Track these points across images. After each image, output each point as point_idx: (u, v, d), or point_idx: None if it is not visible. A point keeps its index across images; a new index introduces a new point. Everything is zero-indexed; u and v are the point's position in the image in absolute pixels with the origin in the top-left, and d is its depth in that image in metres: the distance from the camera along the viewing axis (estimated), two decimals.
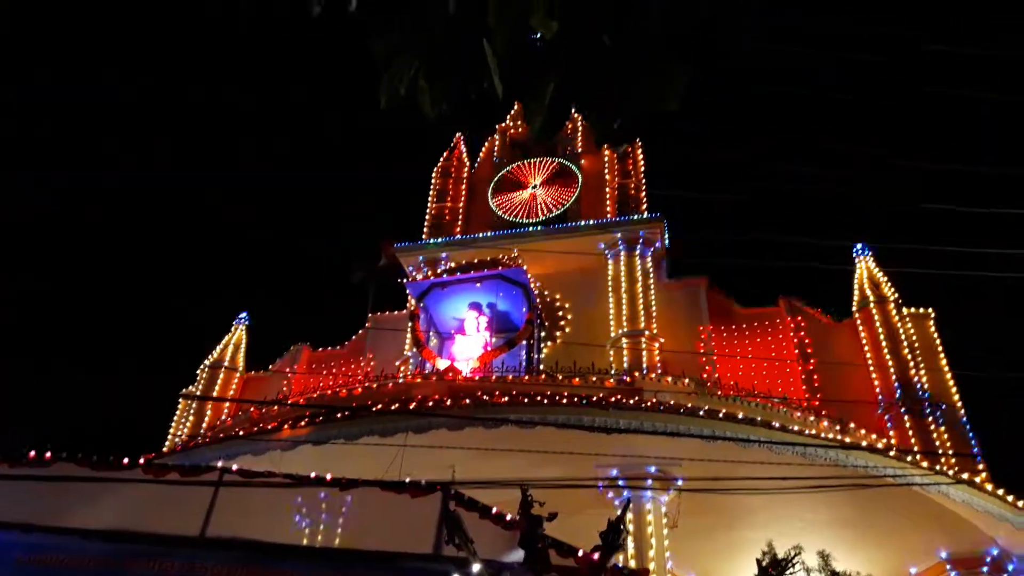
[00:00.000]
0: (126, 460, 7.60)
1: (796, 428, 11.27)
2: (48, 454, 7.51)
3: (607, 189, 19.75)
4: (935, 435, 14.36)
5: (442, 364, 14.71)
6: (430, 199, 21.16)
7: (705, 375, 15.02)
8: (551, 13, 1.86)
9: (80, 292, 48.79)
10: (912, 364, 15.40)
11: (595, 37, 1.91)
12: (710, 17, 1.96)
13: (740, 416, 10.96)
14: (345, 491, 7.63)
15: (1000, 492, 11.64)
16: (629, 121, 2.00)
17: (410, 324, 16.70)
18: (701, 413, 10.80)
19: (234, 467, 8.58)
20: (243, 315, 20.42)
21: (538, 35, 1.96)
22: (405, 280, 18.22)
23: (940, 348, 16.05)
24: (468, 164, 22.07)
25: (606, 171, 20.23)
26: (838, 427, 12.49)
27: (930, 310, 16.70)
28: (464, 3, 2.02)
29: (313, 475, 7.95)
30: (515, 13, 1.88)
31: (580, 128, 21.18)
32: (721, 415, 10.84)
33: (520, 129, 22.59)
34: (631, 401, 11.12)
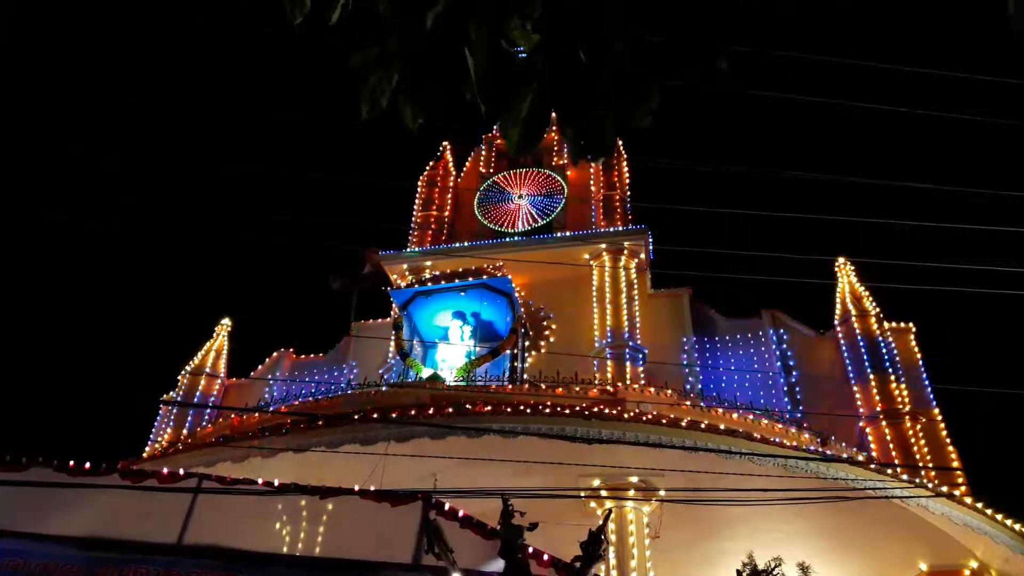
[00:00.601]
0: (103, 466, 7.51)
1: (778, 440, 11.30)
2: (24, 459, 7.40)
3: (592, 200, 19.82)
4: (916, 448, 14.47)
5: (425, 372, 14.66)
6: (415, 208, 21.13)
7: (688, 386, 15.07)
8: (530, 26, 1.87)
9: (60, 297, 48.26)
10: (893, 378, 15.53)
11: (572, 52, 1.92)
12: (680, 44, 1.97)
13: (722, 427, 10.99)
14: (325, 499, 7.54)
15: (979, 505, 11.73)
16: (604, 136, 2.01)
17: (394, 332, 16.65)
18: (683, 424, 10.81)
19: (214, 474, 8.51)
20: (225, 321, 20.28)
21: (520, 48, 1.97)
22: (389, 288, 18.18)
23: (921, 362, 16.20)
24: (454, 174, 22.10)
25: (591, 182, 20.30)
26: (819, 439, 12.55)
27: (911, 324, 16.87)
28: (442, 17, 2.03)
29: (290, 483, 7.89)
30: (495, 25, 1.88)
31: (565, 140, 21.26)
32: (703, 426, 10.86)
33: None
34: (614, 411, 11.11)
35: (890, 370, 15.66)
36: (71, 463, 7.44)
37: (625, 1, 1.89)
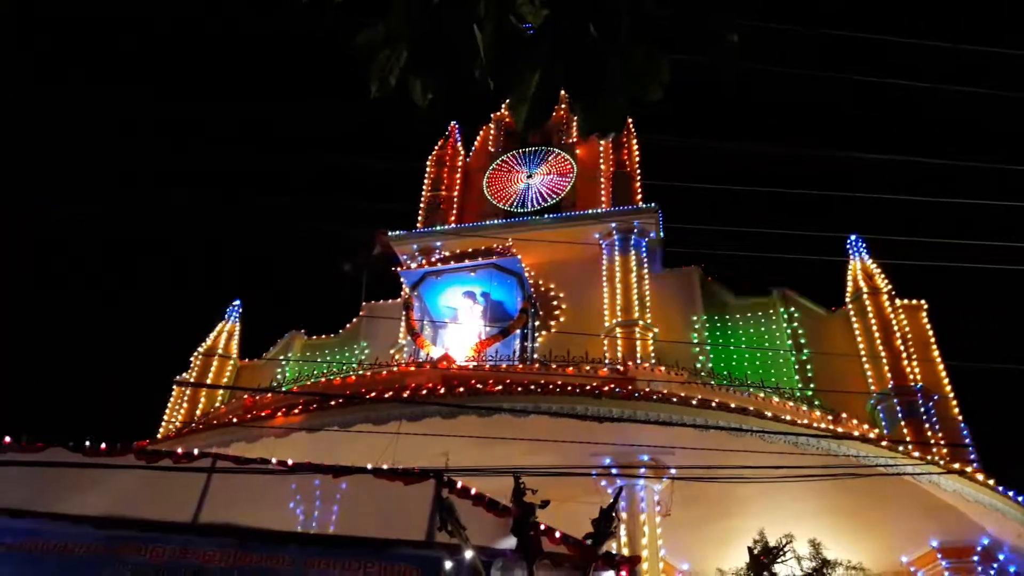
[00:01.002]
0: (119, 446, 7.59)
1: (788, 418, 11.30)
2: (40, 441, 7.49)
3: (602, 179, 19.72)
4: (927, 426, 14.44)
5: (436, 352, 14.71)
6: (424, 188, 21.09)
7: (699, 364, 15.07)
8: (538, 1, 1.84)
9: (73, 279, 48.63)
10: (905, 355, 15.47)
11: (581, 27, 1.89)
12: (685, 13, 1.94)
13: (733, 406, 10.99)
14: (339, 478, 7.60)
15: (991, 482, 11.72)
16: (614, 112, 1.99)
17: (404, 312, 16.69)
18: (694, 402, 10.82)
19: (228, 454, 8.59)
20: (236, 302, 20.38)
21: (528, 24, 1.94)
22: (399, 268, 18.21)
23: (933, 339, 16.13)
24: (463, 153, 22.02)
25: (601, 160, 20.19)
26: (830, 417, 12.55)
27: (923, 302, 16.77)
28: None
29: (303, 462, 7.95)
30: (503, 1, 1.86)
31: (575, 118, 21.14)
32: (714, 404, 10.87)
33: None
34: (624, 390, 11.13)
35: (901, 347, 15.60)
36: (87, 444, 7.52)
37: None
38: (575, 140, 20.84)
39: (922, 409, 14.68)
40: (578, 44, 1.91)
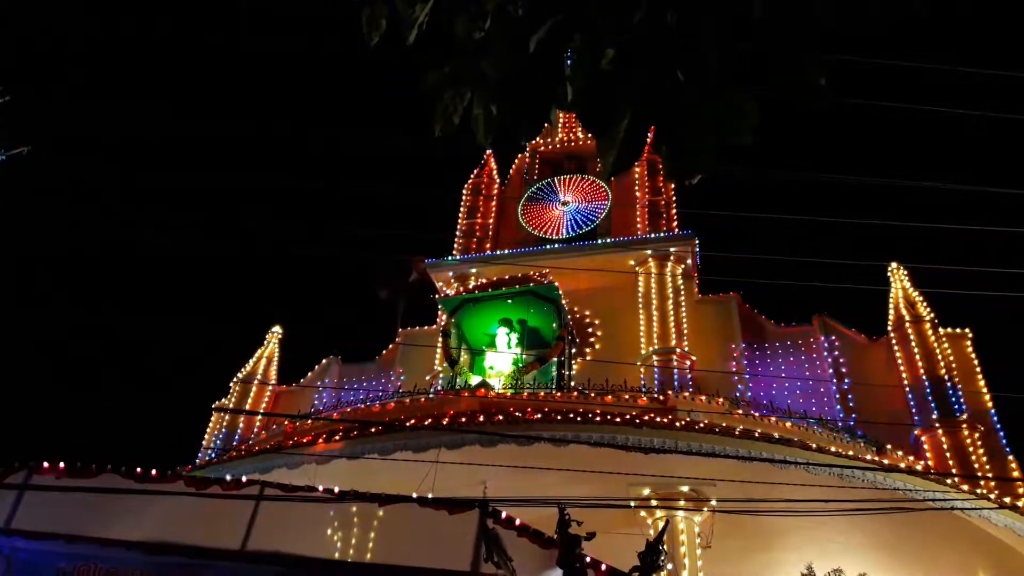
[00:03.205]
0: (169, 472, 7.71)
1: (834, 449, 11.11)
2: (94, 466, 7.63)
3: (637, 206, 19.73)
4: (973, 457, 14.07)
5: (474, 380, 14.73)
6: (460, 216, 21.27)
7: (738, 394, 14.88)
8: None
9: (115, 307, 49.64)
10: (949, 385, 15.13)
11: (669, 69, 1.93)
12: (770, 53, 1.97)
13: (776, 436, 10.85)
14: (383, 506, 7.63)
15: None
16: (703, 154, 2.01)
17: (441, 339, 16.76)
18: (736, 433, 10.70)
19: (271, 481, 8.67)
20: (276, 329, 20.63)
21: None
22: (436, 296, 18.30)
23: (978, 368, 15.76)
24: (498, 181, 22.19)
25: (636, 188, 20.21)
26: (875, 448, 12.30)
27: (967, 330, 16.42)
28: (544, 42, 2.05)
29: (350, 490, 8.00)
30: (593, 46, 1.90)
31: None
32: (757, 435, 10.73)
33: (551, 146, 22.68)
34: (665, 420, 11.04)
35: (946, 377, 15.26)
36: (139, 470, 7.65)
37: (722, 17, 1.89)
38: None
39: (968, 441, 14.31)
40: (666, 86, 1.95)
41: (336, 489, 7.98)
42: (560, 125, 22.89)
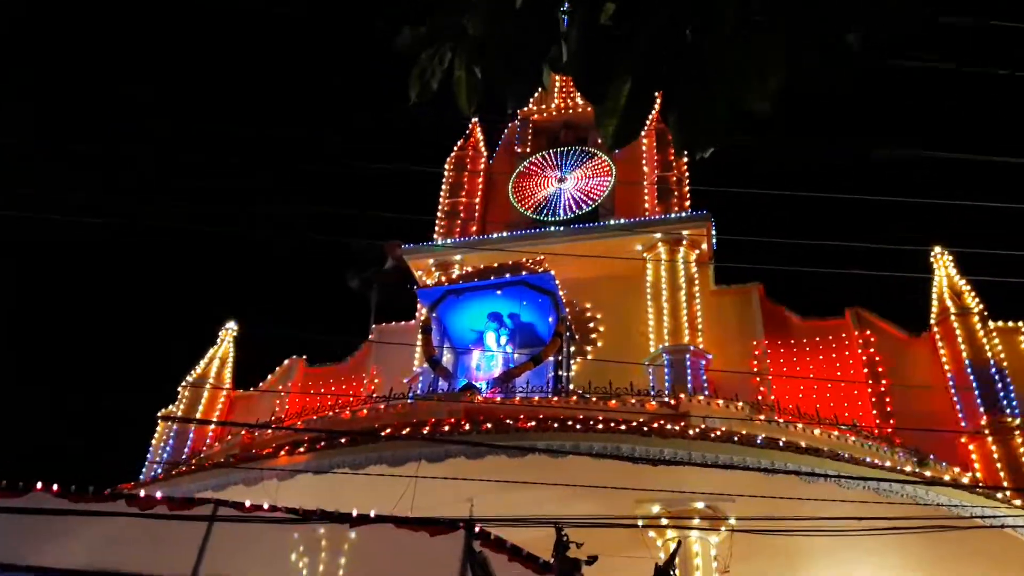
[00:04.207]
0: (108, 490, 7.71)
1: (868, 460, 11.21)
2: (21, 483, 7.62)
3: (645, 183, 19.76)
4: None
5: (458, 383, 14.76)
6: (442, 194, 21.25)
7: (760, 397, 14.96)
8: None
9: (42, 298, 49.40)
10: (1000, 386, 15.25)
11: (677, 28, 1.93)
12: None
13: (803, 445, 10.94)
14: (354, 527, 7.66)
15: None
16: (715, 124, 2.02)
17: (421, 336, 16.77)
18: (758, 441, 10.77)
19: (226, 499, 8.68)
20: (230, 325, 20.58)
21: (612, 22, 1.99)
22: (415, 287, 18.28)
23: None
24: (485, 155, 22.18)
25: (644, 162, 20.23)
26: (915, 459, 12.41)
27: (1021, 324, 16.54)
28: None
29: (316, 509, 8.02)
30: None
31: None
32: (781, 444, 10.81)
33: (545, 114, 22.66)
34: (676, 427, 11.10)
35: (996, 377, 15.38)
36: (73, 488, 7.65)
37: None
38: None
39: (1022, 449, 14.44)
40: (674, 45, 1.96)
41: (301, 508, 7.98)
42: (555, 90, 22.87)
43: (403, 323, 19.77)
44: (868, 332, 17.08)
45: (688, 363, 15.91)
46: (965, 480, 12.29)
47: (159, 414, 19.23)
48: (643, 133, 20.72)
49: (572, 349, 17.04)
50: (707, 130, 2.02)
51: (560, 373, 16.03)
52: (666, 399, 12.81)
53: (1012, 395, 15.14)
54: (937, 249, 17.60)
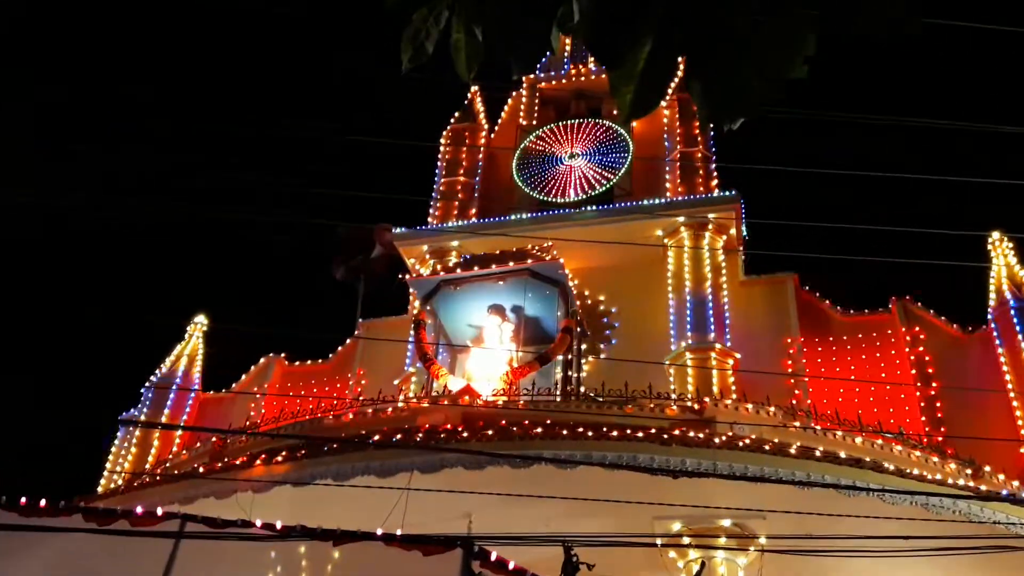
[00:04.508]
0: (62, 504, 7.75)
1: (916, 472, 11.21)
2: None
3: (667, 160, 19.73)
4: None
5: (455, 384, 14.78)
6: (438, 172, 21.25)
7: (794, 401, 14.97)
8: None
9: None
10: None
11: None
12: None
13: (843, 455, 10.92)
14: (338, 545, 7.69)
15: None
16: (744, 93, 2.00)
17: (413, 332, 16.79)
18: (792, 451, 10.78)
19: (194, 514, 8.71)
20: (199, 319, 20.62)
21: None
22: (406, 276, 18.29)
23: None
24: (486, 128, 22.16)
25: (665, 137, 20.20)
26: (969, 471, 12.41)
27: None
28: None
29: (296, 525, 8.05)
30: None
31: None
32: (818, 454, 10.81)
33: (554, 82, 22.62)
34: (700, 435, 11.10)
35: None
36: (23, 500, 7.68)
37: None
38: None
39: None
40: (699, 5, 1.94)
41: (279, 524, 8.02)
42: (565, 54, 22.83)
43: (393, 318, 19.82)
44: (917, 328, 17.07)
45: (714, 363, 15.92)
46: None
47: (120, 418, 19.32)
48: (664, 102, 20.91)
49: (583, 347, 17.06)
50: (737, 98, 2.01)
51: (570, 374, 16.05)
52: (689, 403, 12.81)
53: None
54: (996, 235, 17.57)
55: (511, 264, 16.45)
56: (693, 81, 2.04)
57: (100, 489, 16.75)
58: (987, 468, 12.84)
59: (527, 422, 11.43)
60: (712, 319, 16.62)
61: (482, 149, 21.57)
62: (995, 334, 16.47)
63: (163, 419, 18.37)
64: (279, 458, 11.20)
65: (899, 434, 12.96)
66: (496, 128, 22.31)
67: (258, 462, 11.28)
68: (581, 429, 11.07)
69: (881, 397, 16.24)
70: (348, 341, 20.06)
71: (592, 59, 22.43)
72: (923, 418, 15.80)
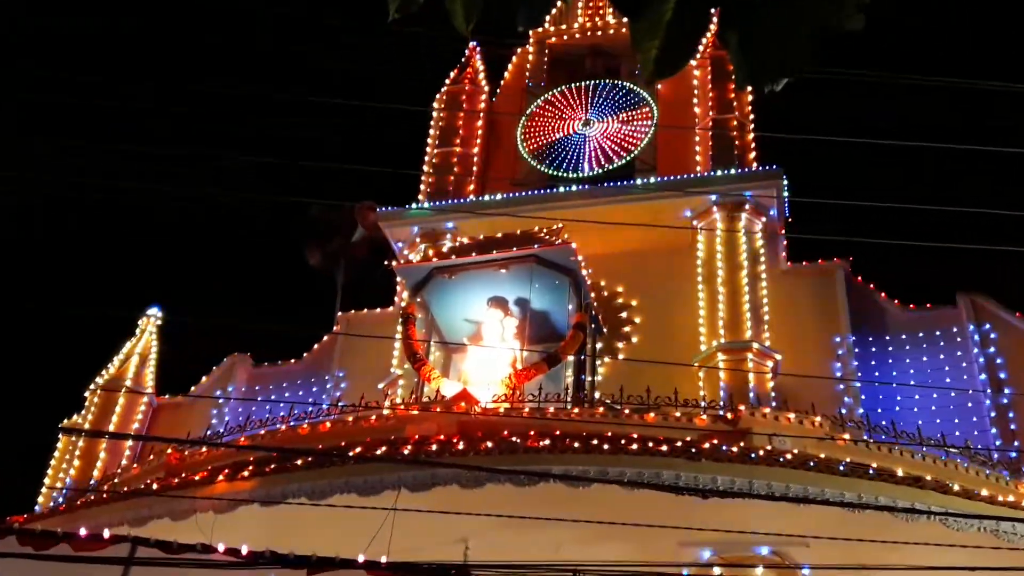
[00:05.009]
0: None
1: (985, 492, 11.21)
2: None
3: (697, 128, 19.68)
4: None
5: (449, 388, 14.79)
6: (429, 142, 21.20)
7: (844, 410, 14.98)
8: None
9: None
10: None
11: None
12: None
13: (900, 473, 10.95)
14: (313, 574, 7.72)
15: None
16: (791, 47, 1.99)
17: (401, 328, 16.81)
18: (841, 468, 10.79)
19: (147, 537, 8.75)
20: (153, 310, 20.59)
21: None
22: (393, 263, 18.27)
23: None
24: (487, 90, 22.09)
25: (696, 102, 20.15)
26: None
27: None
28: None
29: (264, 550, 8.08)
30: None
31: None
32: (871, 471, 10.83)
33: (566, 36, 22.55)
34: (734, 448, 11.11)
35: None
36: None
37: None
38: None
39: None
40: None
41: (244, 549, 8.03)
42: (580, 3, 22.76)
43: (377, 310, 19.86)
44: (987, 326, 17.05)
45: (750, 365, 15.90)
46: None
47: (60, 425, 19.33)
48: (694, 61, 20.78)
49: (599, 346, 17.06)
50: (780, 53, 1.99)
51: (583, 377, 16.05)
52: (721, 412, 12.83)
53: None
54: None
55: (515, 249, 16.42)
56: (729, 32, 2.02)
57: (38, 508, 16.78)
58: None
59: (533, 433, 11.44)
60: (749, 314, 16.58)
61: (481, 115, 21.49)
62: None
63: (110, 427, 18.37)
64: (245, 473, 11.22)
65: (966, 448, 12.96)
66: (498, 91, 22.22)
67: (220, 477, 11.29)
68: (595, 441, 11.08)
69: (945, 406, 16.22)
70: (325, 338, 20.05)
71: (611, 8, 22.38)
72: (994, 430, 15.78)
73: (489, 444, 11.07)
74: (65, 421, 19.38)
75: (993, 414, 16.06)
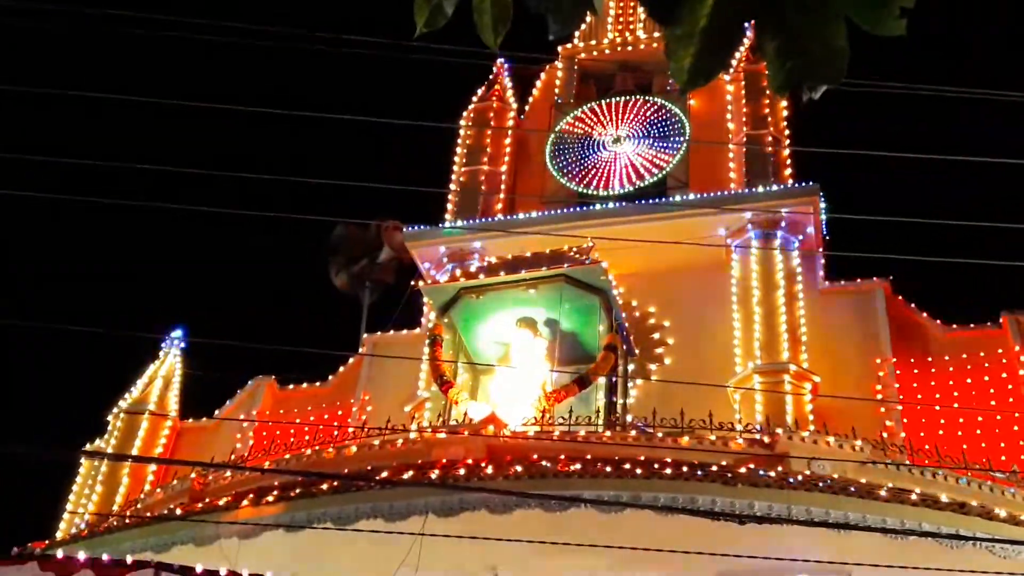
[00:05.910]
0: (15, 551, 7.84)
1: None
2: None
3: (731, 144, 19.65)
4: None
5: (477, 411, 14.78)
6: (456, 161, 21.30)
7: (886, 433, 14.85)
8: None
9: None
10: None
11: None
12: None
13: (944, 499, 10.85)
14: None
15: None
16: (829, 54, 1.98)
17: (428, 350, 16.84)
18: (883, 493, 10.70)
19: (170, 562, 8.80)
20: (177, 333, 20.74)
21: None
22: (420, 283, 18.30)
23: None
24: (515, 107, 22.17)
25: (729, 117, 20.12)
26: None
27: None
28: None
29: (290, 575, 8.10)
30: None
31: None
32: (914, 497, 10.73)
33: (596, 51, 22.61)
34: (772, 474, 11.04)
35: None
36: None
37: None
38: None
39: None
40: None
41: (269, 575, 8.05)
42: (610, 18, 22.81)
43: (404, 332, 19.87)
44: None
45: (788, 387, 15.82)
46: None
47: (83, 450, 19.45)
48: (727, 76, 20.79)
49: (631, 367, 17.00)
50: (817, 64, 1.98)
51: (614, 399, 16.01)
52: (758, 435, 12.75)
53: None
54: None
55: (544, 268, 16.43)
56: (765, 38, 2.01)
57: (60, 534, 16.89)
58: None
59: (563, 457, 11.43)
60: (785, 335, 16.51)
61: (510, 132, 21.58)
62: None
63: (134, 451, 18.49)
64: (270, 498, 11.26)
65: (1013, 473, 12.83)
66: (526, 108, 22.31)
67: (245, 502, 11.34)
68: (628, 466, 11.05)
69: (990, 429, 16.06)
70: (351, 360, 20.09)
71: (640, 23, 22.44)
72: None
73: (518, 468, 11.06)
74: (87, 445, 19.52)
75: None
